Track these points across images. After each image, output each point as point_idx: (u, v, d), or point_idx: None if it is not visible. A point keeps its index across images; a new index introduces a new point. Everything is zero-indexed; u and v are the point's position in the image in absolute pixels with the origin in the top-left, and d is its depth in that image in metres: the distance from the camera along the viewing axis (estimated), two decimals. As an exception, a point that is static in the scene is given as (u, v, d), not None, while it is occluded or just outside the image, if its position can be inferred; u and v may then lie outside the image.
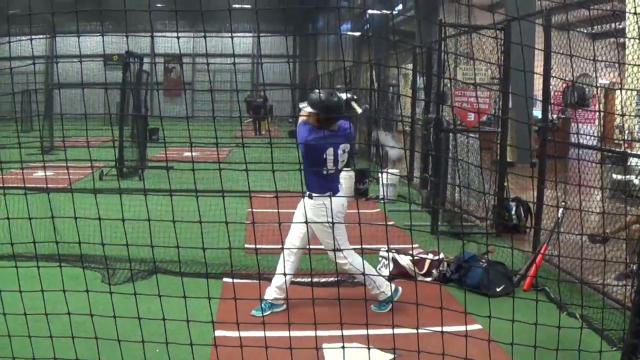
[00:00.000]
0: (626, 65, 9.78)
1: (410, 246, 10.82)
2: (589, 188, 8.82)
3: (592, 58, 5.76)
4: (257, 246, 9.04)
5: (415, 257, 9.55)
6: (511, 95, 12.30)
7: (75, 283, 5.72)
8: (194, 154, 5.67)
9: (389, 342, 5.21)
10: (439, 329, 4.99)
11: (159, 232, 6.13)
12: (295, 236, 7.93)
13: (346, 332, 6.23)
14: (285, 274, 7.57)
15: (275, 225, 5.28)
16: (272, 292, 7.91)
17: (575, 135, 12.51)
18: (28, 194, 5.70)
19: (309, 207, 7.53)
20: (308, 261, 7.78)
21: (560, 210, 9.23)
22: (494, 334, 5.83)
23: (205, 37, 4.60)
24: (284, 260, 7.87)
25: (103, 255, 7.83)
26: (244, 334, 6.01)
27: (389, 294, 7.94)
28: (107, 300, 5.43)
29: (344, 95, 7.77)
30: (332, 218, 7.11)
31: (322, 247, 7.94)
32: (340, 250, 7.39)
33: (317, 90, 7.73)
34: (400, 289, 8.17)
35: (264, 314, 7.66)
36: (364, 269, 7.54)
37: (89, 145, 5.55)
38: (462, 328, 5.26)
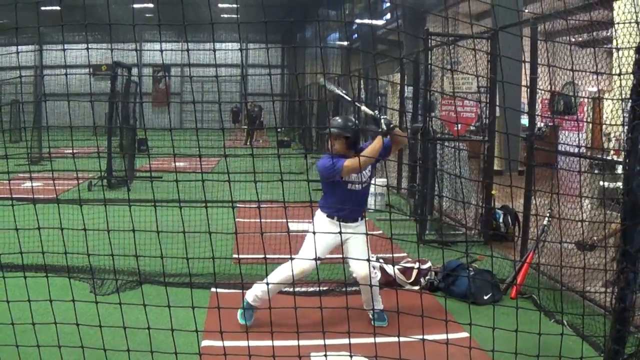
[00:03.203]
0: (612, 72, 9.83)
1: (399, 255, 10.86)
2: (577, 196, 8.85)
3: (571, 68, 5.80)
4: (248, 256, 9.06)
5: (403, 266, 9.58)
6: (498, 104, 12.34)
7: (63, 293, 5.74)
8: (183, 164, 5.70)
9: (380, 351, 5.23)
10: (427, 337, 5.02)
11: (149, 243, 6.16)
12: (313, 255, 7.38)
13: (335, 342, 6.27)
14: (268, 283, 7.47)
15: (266, 235, 5.29)
16: (258, 295, 7.78)
17: (563, 142, 12.55)
18: (15, 205, 5.71)
19: (364, 226, 7.56)
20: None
21: (546, 218, 9.28)
22: (481, 342, 5.86)
23: (188, 50, 4.64)
24: (282, 271, 7.65)
25: (89, 266, 7.83)
26: (232, 343, 6.04)
27: (380, 306, 7.93)
28: (95, 311, 5.44)
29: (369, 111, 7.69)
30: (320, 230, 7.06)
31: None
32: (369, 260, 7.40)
33: (337, 118, 7.74)
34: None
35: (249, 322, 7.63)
36: (375, 281, 7.56)
37: (75, 156, 5.57)
38: (450, 336, 5.28)
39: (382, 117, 7.31)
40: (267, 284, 7.36)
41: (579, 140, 8.29)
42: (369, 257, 7.19)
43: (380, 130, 7.25)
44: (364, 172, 7.59)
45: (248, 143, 37.80)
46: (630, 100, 4.67)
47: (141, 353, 5.55)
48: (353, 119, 7.82)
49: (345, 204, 7.58)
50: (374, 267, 9.46)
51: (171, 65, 59.44)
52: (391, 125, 7.25)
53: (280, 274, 7.63)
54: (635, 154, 4.61)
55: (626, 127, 4.78)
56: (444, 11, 24.72)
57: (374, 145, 7.42)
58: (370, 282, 7.53)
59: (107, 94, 20.41)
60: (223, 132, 5.71)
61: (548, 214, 9.36)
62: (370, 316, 7.87)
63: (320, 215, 7.75)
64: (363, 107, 7.71)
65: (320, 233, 7.15)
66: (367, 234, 6.64)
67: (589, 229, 9.69)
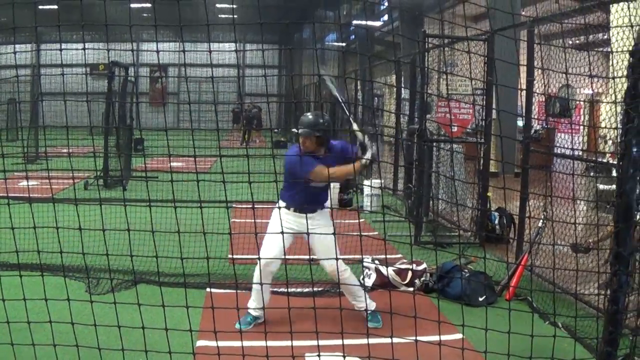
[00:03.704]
0: (609, 75, 9.83)
1: (395, 256, 10.88)
2: (571, 199, 8.87)
3: (566, 71, 5.83)
4: (243, 256, 9.07)
5: (398, 268, 9.60)
6: (495, 105, 12.36)
7: (58, 292, 5.76)
8: (179, 164, 5.71)
9: (374, 352, 5.24)
10: (421, 338, 5.03)
11: (145, 243, 6.17)
12: (275, 246, 7.70)
13: (329, 342, 6.28)
14: (262, 284, 7.52)
15: (260, 236, 5.31)
16: (253, 303, 7.88)
17: (558, 146, 12.56)
18: (11, 204, 5.73)
19: (324, 218, 7.66)
20: (293, 271, 7.79)
21: (540, 221, 9.31)
22: (476, 344, 5.87)
23: (184, 51, 4.66)
24: (260, 272, 7.74)
25: (85, 265, 7.84)
26: (227, 343, 6.05)
27: (372, 306, 7.95)
28: (90, 310, 5.46)
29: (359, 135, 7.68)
30: (334, 229, 7.10)
31: (300, 257, 7.90)
32: (338, 259, 7.40)
33: (308, 114, 7.70)
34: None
35: (249, 327, 7.65)
36: (361, 281, 7.57)
37: (71, 155, 5.58)
38: (443, 337, 5.30)
39: (370, 145, 7.34)
40: (261, 284, 7.41)
41: (572, 142, 8.31)
42: (336, 251, 7.19)
43: (364, 160, 7.28)
44: None
45: (244, 143, 37.76)
46: (624, 104, 4.69)
47: (136, 352, 5.56)
48: (325, 116, 7.82)
49: (304, 199, 7.70)
50: (368, 269, 9.50)
51: (168, 65, 59.43)
52: (375, 160, 7.33)
53: (257, 276, 7.78)
54: (628, 157, 4.64)
55: (620, 130, 4.81)
56: (441, 13, 24.73)
57: (348, 169, 7.46)
58: (357, 279, 7.61)
59: (104, 93, 20.42)
60: (218, 133, 5.75)
61: (543, 216, 9.39)
62: (365, 316, 7.89)
63: (277, 208, 7.79)
64: (355, 127, 7.68)
65: (278, 227, 7.30)
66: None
67: (585, 231, 9.72)
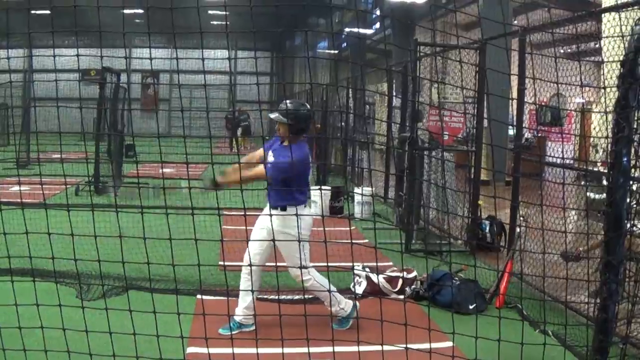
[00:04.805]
0: (600, 84, 9.84)
1: (385, 264, 10.88)
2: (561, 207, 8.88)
3: (556, 80, 5.86)
4: (233, 263, 9.09)
5: (389, 275, 9.60)
6: (486, 113, 12.36)
7: (49, 298, 5.75)
8: (170, 170, 5.71)
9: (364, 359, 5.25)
10: (412, 346, 5.04)
11: (136, 249, 6.17)
12: (254, 253, 7.72)
13: (319, 349, 6.28)
14: (253, 291, 7.50)
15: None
16: (240, 311, 7.89)
17: (549, 154, 12.59)
18: (3, 209, 5.72)
19: (279, 219, 7.37)
20: (281, 278, 7.78)
21: (520, 227, 9.34)
22: (467, 352, 5.87)
23: (177, 58, 4.68)
24: (246, 279, 7.82)
25: (76, 271, 7.84)
26: (217, 350, 6.05)
27: (349, 311, 7.96)
28: (81, 316, 5.45)
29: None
30: (300, 233, 7.04)
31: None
32: (305, 267, 7.38)
33: (286, 101, 7.70)
34: (357, 304, 8.15)
35: (232, 332, 7.61)
36: (329, 286, 7.56)
37: (64, 160, 5.58)
38: (434, 345, 5.31)
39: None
40: (252, 291, 7.41)
41: (562, 151, 8.33)
42: (300, 256, 7.19)
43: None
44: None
45: (237, 150, 37.65)
46: (615, 113, 4.72)
47: (126, 358, 5.56)
48: (304, 107, 7.85)
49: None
50: (359, 276, 9.51)
51: (160, 72, 59.28)
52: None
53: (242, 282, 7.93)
54: (619, 167, 4.66)
55: (610, 140, 4.84)
56: (433, 22, 24.76)
57: (256, 172, 7.54)
58: (325, 283, 7.65)
59: (95, 98, 20.41)
60: (210, 140, 5.74)
61: (522, 219, 9.43)
62: (335, 320, 7.95)
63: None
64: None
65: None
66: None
67: (575, 239, 9.74)
